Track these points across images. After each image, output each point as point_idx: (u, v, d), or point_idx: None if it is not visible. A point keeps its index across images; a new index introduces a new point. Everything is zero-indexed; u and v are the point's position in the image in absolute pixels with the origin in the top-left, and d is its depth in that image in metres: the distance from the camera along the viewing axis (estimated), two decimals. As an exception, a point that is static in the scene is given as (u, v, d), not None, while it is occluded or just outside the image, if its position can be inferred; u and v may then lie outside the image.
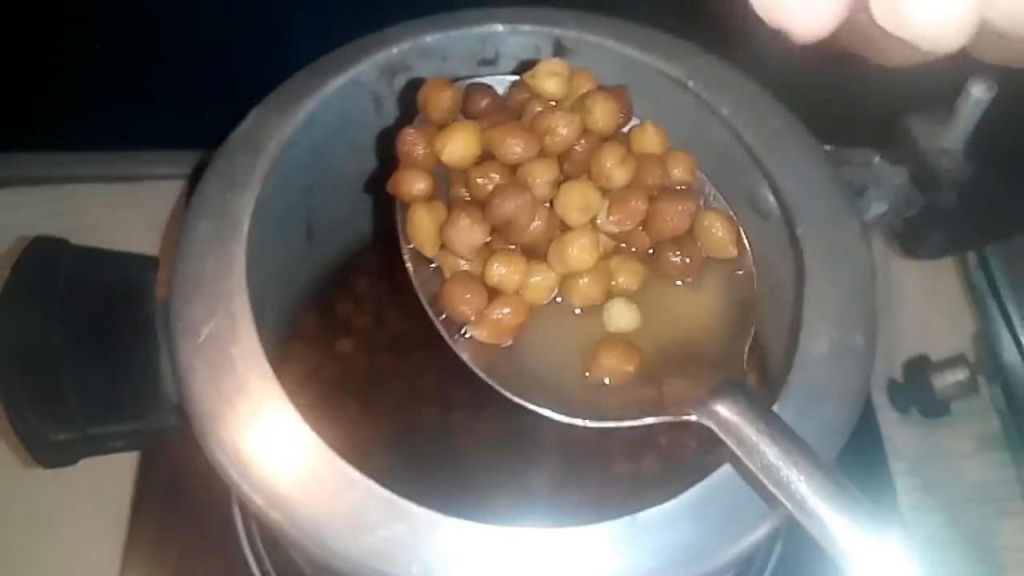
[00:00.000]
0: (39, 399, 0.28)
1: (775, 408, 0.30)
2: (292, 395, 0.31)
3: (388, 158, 0.32)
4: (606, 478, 0.43)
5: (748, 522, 0.28)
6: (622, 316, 0.30)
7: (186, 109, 0.58)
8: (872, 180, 0.36)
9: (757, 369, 0.44)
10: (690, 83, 0.37)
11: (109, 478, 0.44)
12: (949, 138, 0.34)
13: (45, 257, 0.31)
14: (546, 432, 0.42)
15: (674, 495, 0.29)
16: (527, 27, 0.38)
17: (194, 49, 0.56)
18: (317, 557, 0.28)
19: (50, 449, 0.28)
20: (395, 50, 0.37)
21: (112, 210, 0.59)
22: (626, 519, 0.28)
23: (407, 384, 0.45)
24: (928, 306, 0.57)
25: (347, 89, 0.37)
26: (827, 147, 0.36)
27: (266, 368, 0.30)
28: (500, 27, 0.38)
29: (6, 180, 0.59)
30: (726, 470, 0.29)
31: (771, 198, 0.36)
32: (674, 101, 0.38)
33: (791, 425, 0.29)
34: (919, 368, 0.53)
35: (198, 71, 0.57)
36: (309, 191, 0.41)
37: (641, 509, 0.28)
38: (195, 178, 0.58)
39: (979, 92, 0.33)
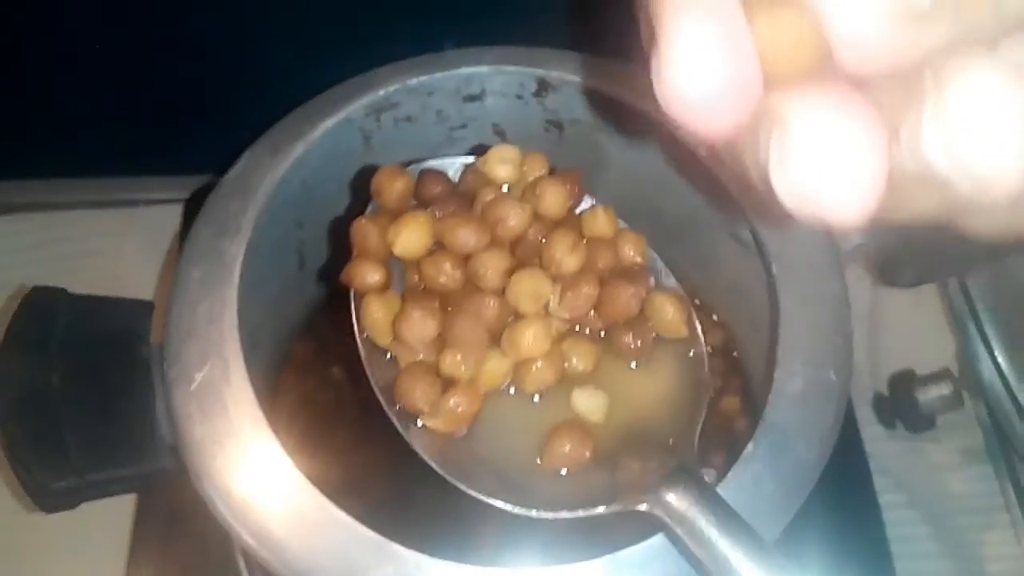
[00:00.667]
0: (40, 449, 0.30)
1: (750, 446, 0.31)
2: (285, 430, 0.32)
3: (340, 245, 0.33)
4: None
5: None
6: (591, 403, 0.30)
7: (181, 135, 0.59)
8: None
9: (740, 393, 0.45)
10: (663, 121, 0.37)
11: (109, 510, 0.46)
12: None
13: (44, 307, 0.32)
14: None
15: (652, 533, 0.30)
16: (511, 68, 0.39)
17: (190, 76, 0.57)
18: (309, 598, 0.29)
19: (52, 496, 0.30)
20: (382, 92, 0.38)
21: (113, 234, 0.60)
22: (607, 557, 0.29)
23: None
24: (914, 322, 0.58)
25: (336, 129, 0.38)
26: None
27: (258, 413, 0.31)
28: (485, 68, 0.39)
29: (10, 207, 0.60)
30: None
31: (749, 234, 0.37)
32: (655, 140, 0.39)
33: (766, 459, 0.30)
34: (905, 382, 0.54)
35: (193, 99, 0.58)
36: (299, 225, 0.42)
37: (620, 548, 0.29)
38: (192, 202, 0.60)
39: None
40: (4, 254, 0.59)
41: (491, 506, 0.42)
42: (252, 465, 0.31)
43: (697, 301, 0.47)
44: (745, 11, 0.15)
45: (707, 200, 0.39)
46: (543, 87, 0.39)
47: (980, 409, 0.54)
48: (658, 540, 0.29)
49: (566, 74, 0.39)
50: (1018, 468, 0.52)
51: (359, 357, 0.47)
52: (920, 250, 0.36)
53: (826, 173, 0.15)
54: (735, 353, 0.46)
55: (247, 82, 0.56)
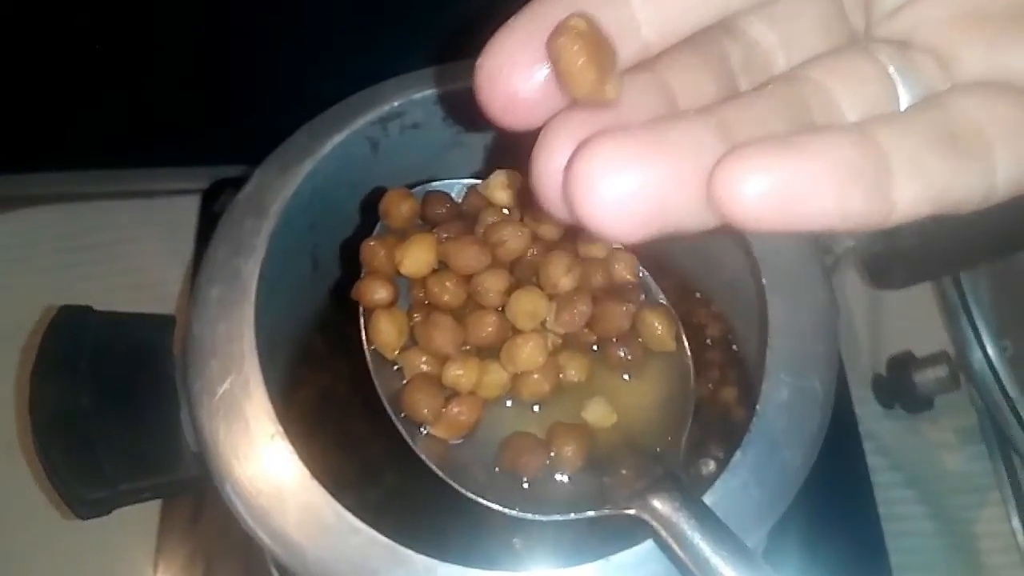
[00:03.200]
0: (75, 462, 0.32)
1: (738, 453, 0.33)
2: (302, 426, 0.34)
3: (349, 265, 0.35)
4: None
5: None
6: (600, 413, 0.32)
7: (200, 127, 0.60)
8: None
9: (738, 384, 0.46)
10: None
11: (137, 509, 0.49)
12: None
13: (71, 326, 0.34)
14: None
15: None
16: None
17: (208, 68, 0.59)
18: (326, 598, 0.31)
19: (86, 506, 0.32)
20: (387, 107, 0.40)
21: (132, 225, 0.62)
22: (600, 561, 0.31)
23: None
24: (914, 306, 0.59)
25: (344, 142, 0.40)
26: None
27: (276, 426, 0.33)
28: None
29: (31, 199, 0.62)
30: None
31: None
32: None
33: (753, 467, 0.32)
34: (903, 364, 0.56)
35: (211, 91, 0.60)
36: (312, 229, 0.43)
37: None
38: (210, 192, 0.61)
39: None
40: (24, 246, 0.61)
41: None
42: (270, 473, 0.33)
43: (698, 294, 0.48)
44: None
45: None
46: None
47: (975, 391, 0.55)
48: (650, 544, 0.31)
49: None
50: (1011, 450, 0.54)
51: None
52: (909, 253, 0.38)
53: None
54: (734, 345, 0.47)
55: (263, 76, 0.58)
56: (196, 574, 0.48)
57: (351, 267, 0.47)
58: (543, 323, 0.32)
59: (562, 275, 0.32)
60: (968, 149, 0.18)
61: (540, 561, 0.34)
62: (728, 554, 0.27)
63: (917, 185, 0.17)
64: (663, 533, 0.28)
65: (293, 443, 0.33)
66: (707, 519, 0.28)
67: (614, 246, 0.34)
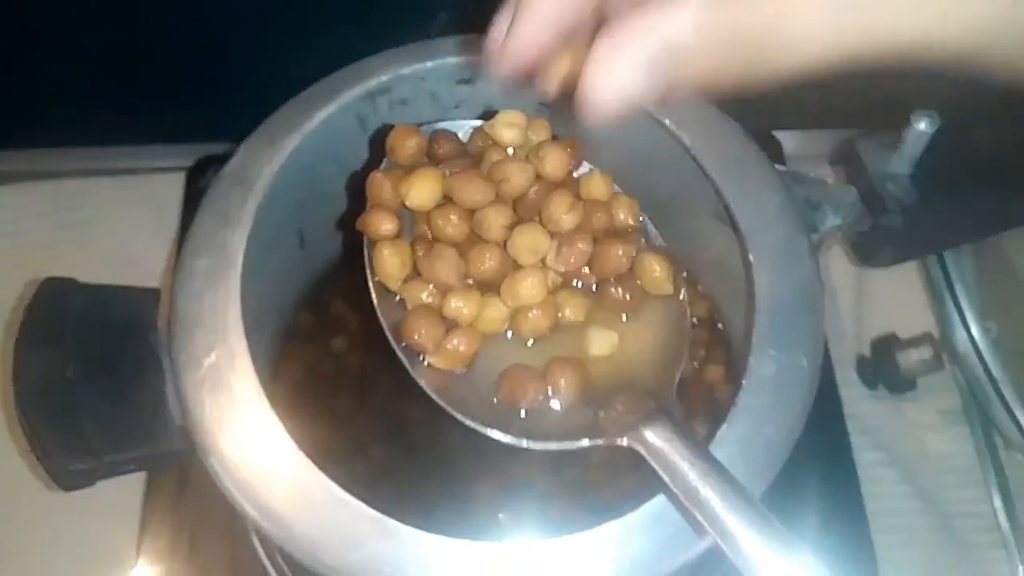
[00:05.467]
0: (59, 433, 0.32)
1: (724, 427, 0.33)
2: (288, 401, 0.34)
3: (357, 197, 0.35)
4: (584, 463, 0.46)
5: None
6: (602, 340, 0.33)
7: (184, 105, 0.60)
8: (826, 198, 0.38)
9: (724, 363, 0.47)
10: (652, 111, 0.39)
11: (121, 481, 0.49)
12: (896, 165, 0.37)
13: (56, 298, 0.34)
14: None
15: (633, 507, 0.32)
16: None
17: (191, 45, 0.58)
18: (311, 569, 0.31)
19: (71, 477, 0.32)
20: (375, 82, 0.39)
21: (115, 203, 0.61)
22: (584, 532, 0.31)
23: (398, 378, 0.48)
24: (899, 288, 0.59)
25: (331, 117, 0.40)
26: (781, 168, 0.38)
27: (262, 398, 0.33)
28: (476, 57, 0.40)
29: (15, 176, 0.62)
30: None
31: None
32: (641, 121, 0.40)
33: (738, 441, 0.33)
34: (887, 345, 0.56)
35: (194, 68, 0.59)
36: (300, 206, 0.43)
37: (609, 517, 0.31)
38: (194, 170, 0.61)
39: (923, 125, 0.35)
40: (7, 223, 0.61)
41: (486, 462, 0.45)
42: (257, 445, 0.33)
43: (684, 273, 0.48)
44: None
45: (689, 182, 0.40)
46: (532, 73, 0.40)
47: (959, 372, 0.56)
48: (631, 518, 0.31)
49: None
50: (993, 430, 0.54)
51: (358, 328, 0.49)
52: (894, 232, 0.38)
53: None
54: (719, 324, 0.47)
55: (248, 53, 0.57)
56: (181, 547, 0.48)
57: (343, 245, 0.48)
58: (544, 260, 0.33)
59: (564, 212, 0.32)
60: None
61: (524, 534, 0.34)
62: (717, 484, 0.28)
63: None
64: (653, 463, 0.29)
65: (279, 417, 0.33)
66: (697, 451, 0.29)
67: (616, 190, 0.34)
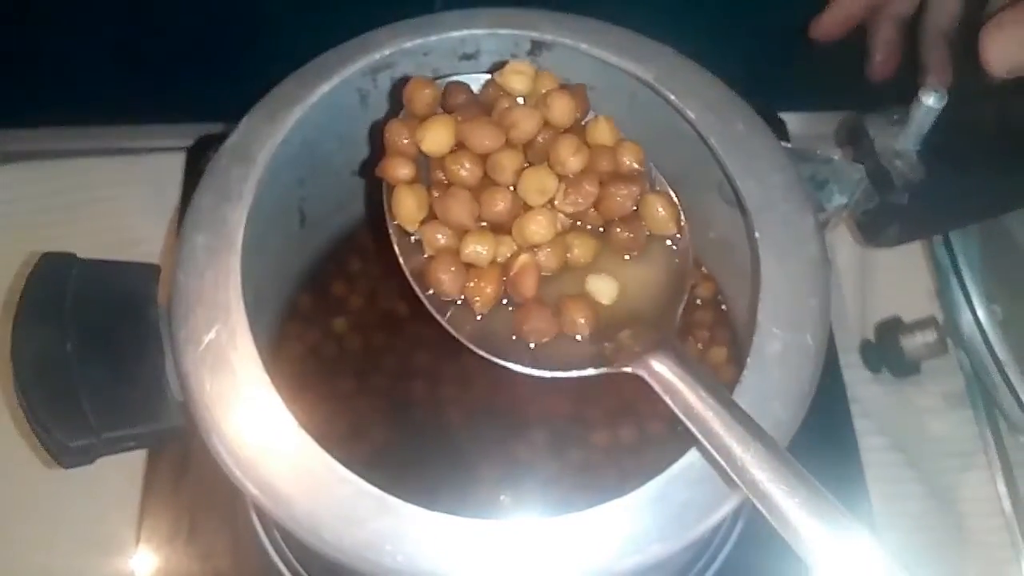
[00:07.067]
0: (58, 410, 0.31)
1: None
2: (289, 382, 0.33)
3: (377, 146, 0.36)
4: (586, 445, 0.46)
5: (702, 511, 0.31)
6: (604, 287, 0.34)
7: (184, 83, 0.60)
8: (832, 175, 0.38)
9: (728, 344, 0.46)
10: (658, 85, 0.38)
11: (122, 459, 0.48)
12: (903, 141, 0.36)
13: (55, 273, 0.33)
14: (529, 403, 0.45)
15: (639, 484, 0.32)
16: (505, 31, 0.39)
17: (191, 23, 0.58)
18: (312, 547, 0.31)
19: (70, 454, 0.31)
20: (377, 56, 0.39)
21: (115, 183, 0.61)
22: (582, 512, 0.31)
23: (399, 360, 0.48)
24: (903, 271, 0.59)
25: (332, 92, 0.39)
26: (787, 145, 0.38)
27: (263, 374, 0.33)
28: (479, 31, 0.39)
29: (16, 155, 0.61)
30: (683, 462, 0.32)
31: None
32: (646, 99, 0.39)
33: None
34: (891, 329, 0.56)
35: (195, 46, 0.59)
36: (300, 183, 0.43)
37: (614, 488, 0.31)
38: (194, 149, 0.61)
39: (930, 101, 0.35)
40: (6, 203, 0.60)
41: (489, 444, 0.45)
42: (258, 423, 0.32)
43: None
44: None
45: (694, 157, 0.40)
46: (537, 48, 0.40)
47: (963, 356, 0.55)
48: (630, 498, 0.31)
49: (559, 36, 0.39)
50: (997, 413, 0.54)
51: (360, 309, 0.49)
52: (900, 210, 0.38)
53: None
54: (723, 305, 0.47)
55: (248, 30, 0.57)
56: (181, 531, 0.48)
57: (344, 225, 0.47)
58: (552, 202, 0.34)
59: (570, 155, 0.34)
60: None
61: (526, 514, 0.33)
62: (720, 408, 0.29)
63: None
64: (658, 389, 0.30)
65: (280, 389, 0.33)
66: (701, 377, 0.30)
67: (621, 136, 0.35)
